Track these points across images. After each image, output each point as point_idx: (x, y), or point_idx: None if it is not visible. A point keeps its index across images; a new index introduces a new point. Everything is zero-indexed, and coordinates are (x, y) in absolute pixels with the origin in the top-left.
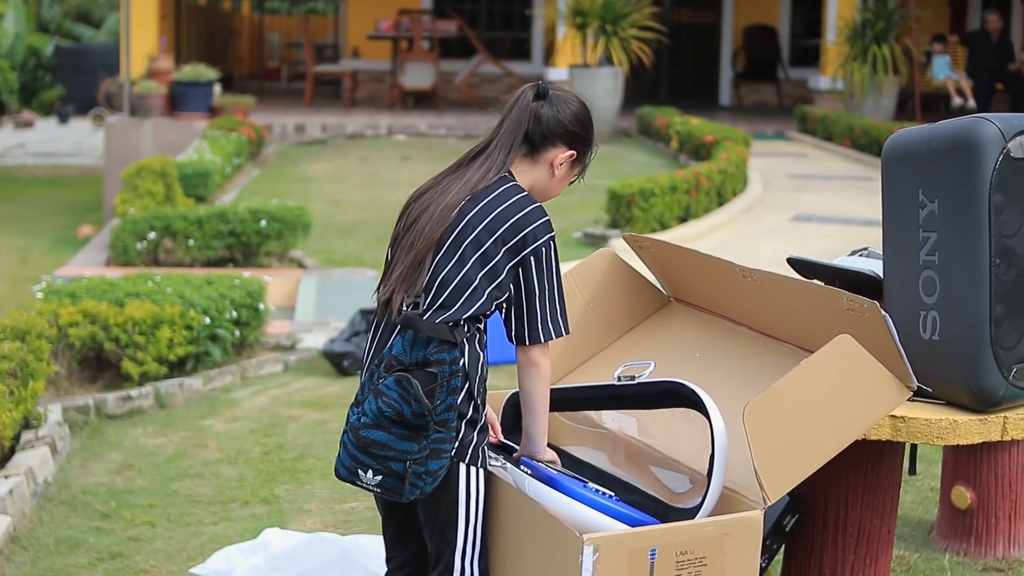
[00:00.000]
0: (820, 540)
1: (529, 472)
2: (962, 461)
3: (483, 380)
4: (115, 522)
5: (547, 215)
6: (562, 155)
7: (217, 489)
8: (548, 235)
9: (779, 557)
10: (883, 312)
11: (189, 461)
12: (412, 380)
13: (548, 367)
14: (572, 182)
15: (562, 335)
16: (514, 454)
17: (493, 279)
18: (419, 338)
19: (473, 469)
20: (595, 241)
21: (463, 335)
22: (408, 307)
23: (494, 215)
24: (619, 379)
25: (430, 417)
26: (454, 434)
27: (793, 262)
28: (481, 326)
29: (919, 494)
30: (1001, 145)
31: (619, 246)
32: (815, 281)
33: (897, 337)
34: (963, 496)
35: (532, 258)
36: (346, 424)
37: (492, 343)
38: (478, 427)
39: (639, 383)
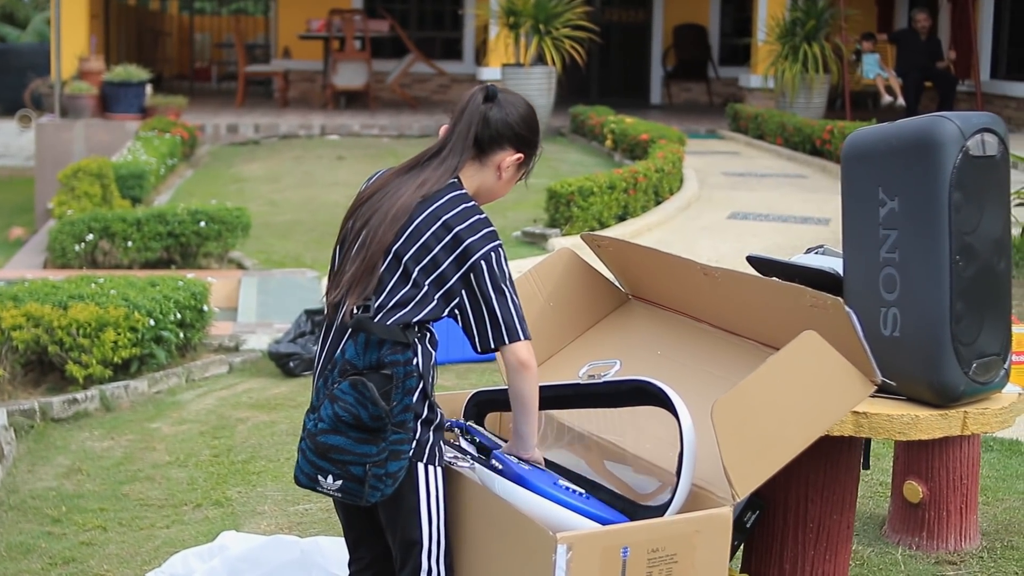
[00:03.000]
0: (780, 536)
1: (500, 468)
2: (914, 455)
3: (435, 379)
4: (66, 527)
5: (491, 225)
6: (509, 158)
7: (168, 492)
8: (492, 244)
9: (739, 553)
10: (847, 308)
11: (138, 464)
12: (367, 383)
13: (535, 364)
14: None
15: (528, 337)
16: (498, 450)
17: (441, 286)
18: (372, 341)
19: (431, 468)
20: (534, 240)
21: (415, 336)
22: (360, 310)
23: (441, 222)
24: (585, 378)
25: (387, 419)
26: (411, 435)
27: (753, 260)
28: (431, 326)
29: (870, 488)
30: (960, 143)
31: (558, 244)
32: (774, 279)
33: (861, 332)
34: (915, 490)
35: (481, 266)
36: (303, 431)
37: (454, 342)
38: (434, 425)
39: (606, 382)
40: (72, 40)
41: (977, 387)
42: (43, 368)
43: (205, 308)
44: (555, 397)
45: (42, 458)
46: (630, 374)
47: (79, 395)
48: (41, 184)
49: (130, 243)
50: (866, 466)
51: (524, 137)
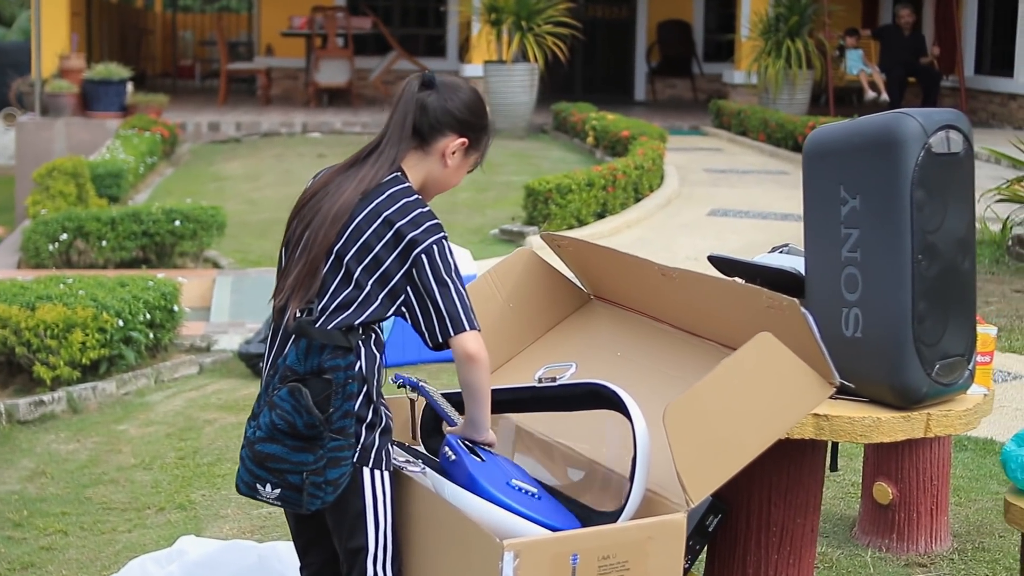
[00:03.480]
0: (743, 540)
1: (453, 459)
2: (883, 457)
3: (381, 382)
4: (27, 531)
5: (434, 218)
6: (453, 144)
7: (132, 495)
8: (435, 236)
9: (702, 557)
10: (803, 309)
11: (103, 467)
12: (303, 390)
13: (486, 354)
14: (471, 170)
15: (476, 328)
16: (451, 434)
17: (385, 284)
18: (313, 346)
19: (377, 473)
20: (512, 238)
21: (358, 339)
22: (303, 313)
23: (382, 219)
24: (540, 381)
25: (323, 427)
26: (353, 440)
27: (714, 260)
28: (378, 328)
29: (841, 489)
30: (923, 140)
31: (536, 243)
32: (736, 279)
33: (818, 334)
34: (885, 492)
35: (423, 260)
36: (244, 438)
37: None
38: (379, 430)
39: (560, 385)
40: (53, 38)
41: (940, 388)
42: (11, 369)
43: (176, 308)
44: (511, 400)
45: (6, 461)
46: (587, 376)
47: (46, 397)
48: (21, 183)
49: (104, 242)
50: (833, 468)
51: (467, 122)
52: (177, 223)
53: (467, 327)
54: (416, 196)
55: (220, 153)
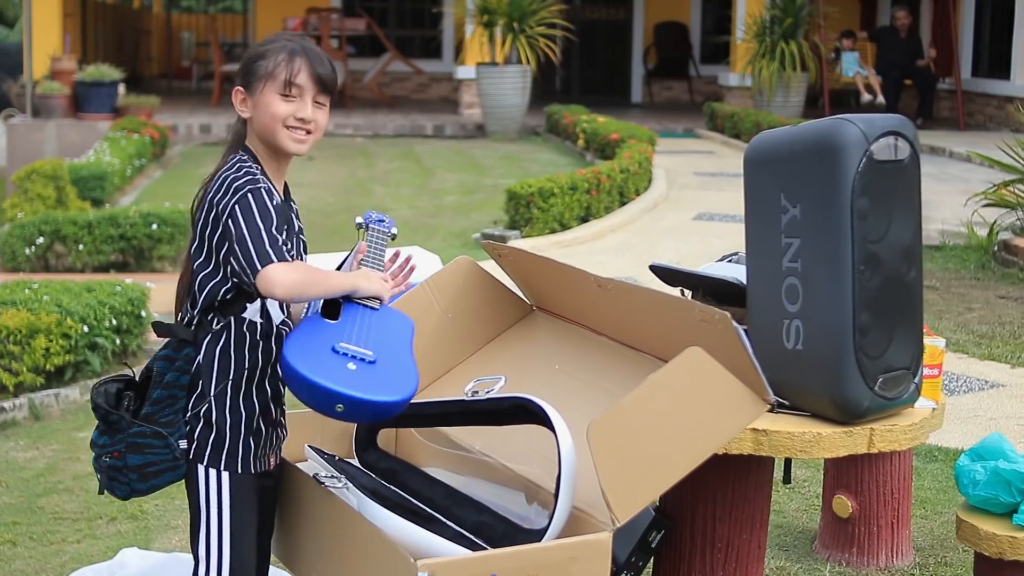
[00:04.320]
0: (688, 556)
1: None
2: (843, 469)
3: (240, 379)
4: None
5: (246, 178)
6: (234, 100)
7: (84, 505)
8: (239, 193)
9: (647, 573)
10: (735, 324)
11: (59, 475)
12: (99, 387)
13: (290, 278)
14: (286, 94)
15: (285, 259)
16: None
17: (207, 263)
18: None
19: (212, 472)
20: (494, 241)
21: (207, 332)
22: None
23: (207, 204)
24: (469, 394)
25: (114, 416)
26: (180, 431)
27: (656, 269)
28: (236, 322)
29: (804, 501)
30: (864, 147)
31: (518, 247)
32: (683, 292)
33: (750, 349)
34: (844, 505)
35: (227, 217)
36: None
37: None
38: (220, 428)
39: (488, 399)
40: (45, 39)
41: (884, 403)
42: None
43: (143, 313)
44: (440, 414)
45: None
46: (522, 389)
47: (7, 404)
48: (10, 185)
49: (82, 246)
50: (786, 481)
51: (243, 70)
52: (154, 227)
53: (273, 259)
54: (236, 164)
55: (211, 155)
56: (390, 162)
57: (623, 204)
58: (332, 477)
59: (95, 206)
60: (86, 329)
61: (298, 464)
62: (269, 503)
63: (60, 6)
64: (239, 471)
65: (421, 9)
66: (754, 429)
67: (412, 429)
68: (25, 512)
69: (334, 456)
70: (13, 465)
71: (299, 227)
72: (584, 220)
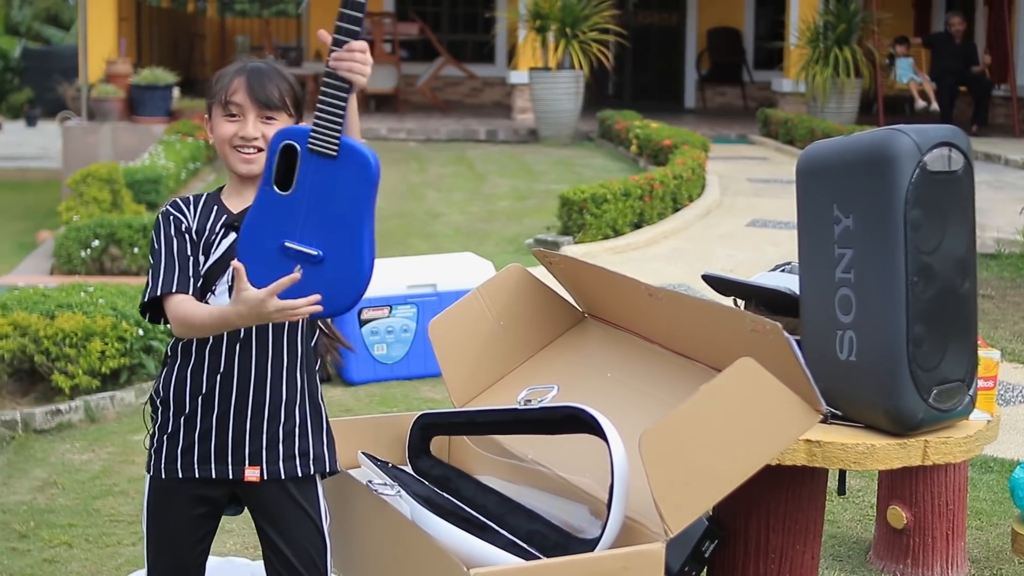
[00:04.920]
0: (741, 566)
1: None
2: (898, 480)
3: (183, 393)
4: (32, 542)
5: (163, 210)
6: (204, 123)
7: (139, 508)
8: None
9: None
10: (786, 334)
11: (114, 478)
12: None
13: (177, 317)
14: (228, 115)
15: (169, 292)
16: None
17: None
18: None
19: (148, 477)
20: (547, 247)
21: (169, 350)
22: None
23: None
24: (522, 403)
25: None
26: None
27: (709, 279)
28: (182, 339)
29: (858, 511)
30: (917, 158)
31: (570, 253)
32: (736, 302)
33: (802, 360)
34: (899, 516)
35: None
36: None
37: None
38: (159, 432)
39: (541, 408)
40: (100, 43)
41: (938, 415)
42: (31, 378)
43: None
44: (494, 422)
45: (20, 470)
46: (574, 398)
47: (63, 406)
48: (66, 188)
49: (136, 249)
50: (841, 492)
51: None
52: None
53: (158, 291)
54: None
55: None
56: (443, 167)
57: (676, 210)
58: (385, 484)
59: (150, 209)
60: (141, 332)
61: (351, 471)
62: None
63: (115, 10)
64: (152, 472)
65: (474, 14)
66: (808, 440)
67: (465, 437)
68: (81, 514)
69: (387, 463)
70: (69, 467)
71: None
72: (637, 226)
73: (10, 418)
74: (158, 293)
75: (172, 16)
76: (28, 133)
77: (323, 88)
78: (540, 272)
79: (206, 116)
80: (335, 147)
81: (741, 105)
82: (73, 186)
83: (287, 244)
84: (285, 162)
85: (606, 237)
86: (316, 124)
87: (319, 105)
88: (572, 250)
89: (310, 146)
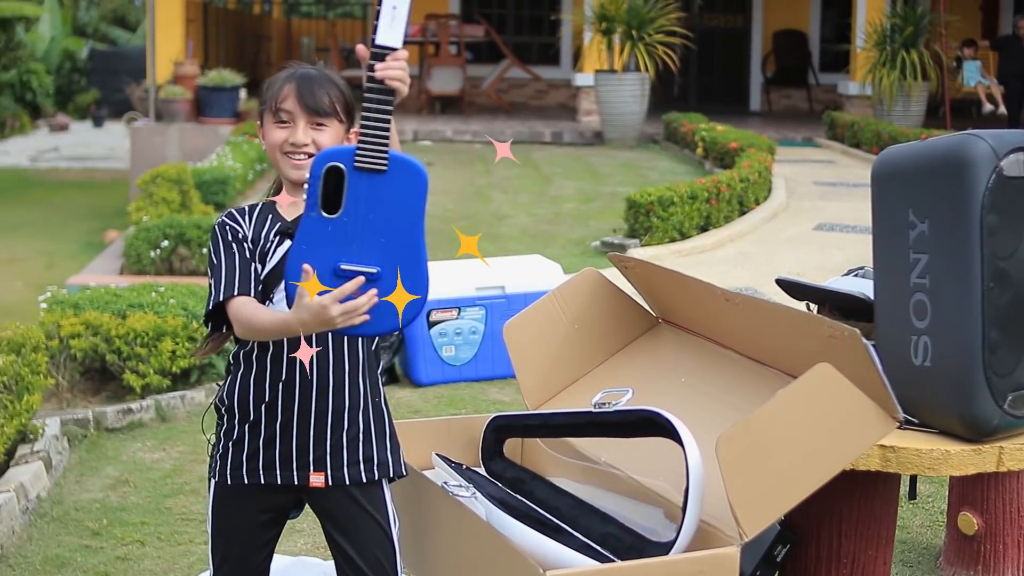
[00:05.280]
0: (813, 571)
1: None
2: (969, 486)
3: (247, 401)
4: (105, 540)
5: (219, 221)
6: (257, 129)
7: None
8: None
9: None
10: (864, 340)
11: (186, 477)
12: None
13: (240, 319)
14: (279, 122)
15: (231, 295)
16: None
17: None
18: None
19: (212, 482)
20: (613, 250)
21: (234, 354)
22: None
23: None
24: (597, 406)
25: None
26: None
27: (782, 283)
28: (245, 347)
29: (928, 517)
30: (993, 163)
31: (636, 255)
32: (799, 306)
33: (880, 366)
34: (970, 522)
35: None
36: None
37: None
38: (224, 439)
39: (616, 411)
40: (168, 44)
41: (1013, 421)
42: (102, 377)
43: None
44: (568, 425)
45: (92, 468)
46: (649, 402)
47: (134, 405)
48: (135, 188)
49: (205, 250)
50: (912, 497)
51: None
52: None
53: (220, 297)
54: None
55: None
56: (508, 169)
57: (743, 213)
58: (460, 486)
59: (217, 210)
60: (204, 324)
61: (425, 472)
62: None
63: (183, 12)
64: (218, 477)
65: (539, 16)
66: (882, 446)
67: (538, 439)
68: (153, 512)
69: (461, 465)
70: (141, 466)
71: None
72: (703, 229)
73: (82, 416)
74: (221, 298)
75: (238, 17)
76: (95, 133)
77: (367, 103)
78: (611, 274)
79: (258, 122)
80: (384, 162)
81: (806, 108)
82: (143, 187)
83: (342, 266)
84: (330, 184)
85: (672, 240)
86: (363, 140)
87: (364, 121)
88: (638, 253)
89: (358, 164)
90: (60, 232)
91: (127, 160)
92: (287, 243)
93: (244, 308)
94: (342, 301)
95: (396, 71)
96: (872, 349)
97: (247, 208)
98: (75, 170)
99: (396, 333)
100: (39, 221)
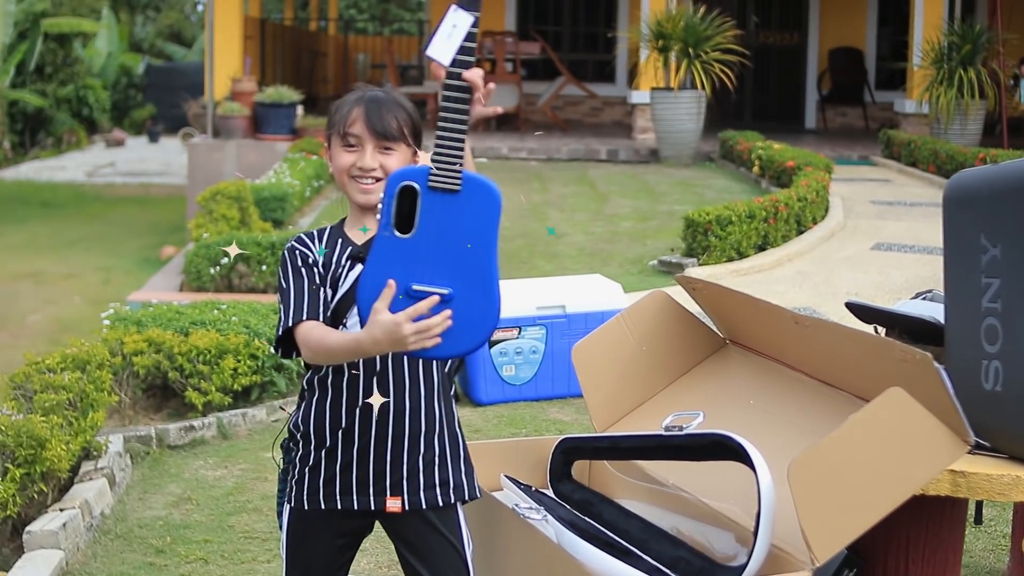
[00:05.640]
0: None
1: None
2: None
3: (323, 427)
4: (169, 558)
5: (288, 246)
6: (323, 151)
7: (273, 524)
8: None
9: None
10: (937, 364)
11: (248, 495)
12: None
13: (310, 343)
14: (347, 146)
15: (300, 320)
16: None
17: None
18: None
19: (288, 507)
20: (671, 269)
21: (306, 384)
22: None
23: None
24: (667, 429)
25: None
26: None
27: (852, 307)
28: (319, 372)
29: (991, 540)
30: None
31: (694, 274)
32: (869, 330)
33: (952, 390)
34: None
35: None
36: None
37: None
38: (299, 464)
39: (687, 434)
40: (226, 61)
41: None
42: (164, 394)
43: None
44: (638, 447)
45: (155, 486)
46: (717, 425)
47: (196, 422)
48: (192, 204)
49: (264, 267)
50: (978, 522)
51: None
52: None
53: (289, 322)
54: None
55: None
56: (564, 186)
57: (800, 232)
58: (532, 508)
59: (275, 227)
60: (273, 350)
61: (495, 493)
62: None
63: (241, 28)
64: (293, 502)
65: (595, 33)
66: (952, 470)
67: (606, 461)
68: (216, 530)
69: (530, 487)
70: (203, 483)
71: None
72: (761, 248)
73: (145, 434)
74: (290, 324)
75: (295, 34)
76: (150, 149)
77: (441, 123)
78: (674, 291)
79: (325, 144)
80: (458, 181)
81: (862, 126)
82: (203, 203)
83: (414, 287)
84: (403, 204)
85: (730, 259)
86: (437, 160)
87: (438, 141)
88: (696, 272)
89: (432, 183)
90: (117, 247)
91: (182, 175)
92: (359, 267)
93: (313, 332)
94: (415, 320)
95: (475, 79)
96: (944, 373)
97: (316, 232)
98: (131, 185)
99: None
100: (96, 236)
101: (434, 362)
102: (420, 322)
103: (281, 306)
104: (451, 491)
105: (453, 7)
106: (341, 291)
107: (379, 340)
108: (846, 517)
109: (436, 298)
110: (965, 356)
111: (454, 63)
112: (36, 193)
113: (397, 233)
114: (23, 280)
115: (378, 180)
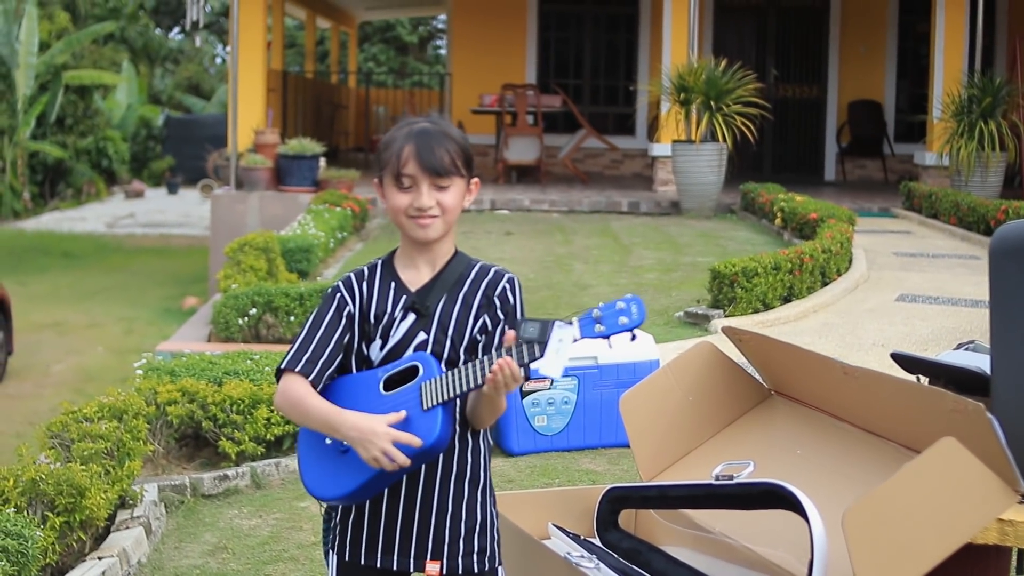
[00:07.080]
0: None
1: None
2: None
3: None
4: None
5: (335, 285)
6: (375, 186)
7: (310, 573)
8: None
9: None
10: (989, 414)
11: (283, 544)
12: None
13: (282, 391)
14: (401, 187)
15: (291, 368)
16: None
17: None
18: None
19: (333, 555)
20: (697, 320)
21: None
22: None
23: None
24: (717, 478)
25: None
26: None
27: (897, 357)
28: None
29: None
30: None
31: (720, 325)
32: (919, 379)
33: (1004, 440)
34: None
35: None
36: None
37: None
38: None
39: (738, 483)
40: (249, 113)
41: None
42: (197, 443)
43: None
44: (687, 496)
45: (190, 535)
46: (765, 474)
47: (230, 472)
48: (215, 255)
49: (292, 318)
50: (1022, 571)
51: (376, 160)
52: None
53: (282, 365)
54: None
55: None
56: (587, 238)
57: (824, 284)
58: (583, 556)
59: (301, 278)
60: (275, 378)
61: (543, 542)
62: None
63: (264, 81)
64: (335, 551)
65: (615, 86)
66: (999, 520)
67: (653, 511)
68: None
69: (579, 535)
70: (238, 532)
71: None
72: (786, 300)
73: (179, 483)
74: (282, 366)
75: (316, 86)
76: (169, 200)
77: (464, 374)
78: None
79: (376, 181)
80: (430, 405)
81: (881, 177)
82: (230, 255)
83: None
84: (406, 372)
85: (756, 311)
86: (438, 382)
87: (456, 373)
88: (723, 324)
89: (422, 384)
90: (138, 298)
91: (202, 227)
92: (411, 318)
93: (293, 386)
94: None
95: (500, 379)
96: (996, 423)
97: (366, 272)
98: (151, 236)
99: None
100: (117, 287)
101: (483, 431)
102: (392, 447)
103: (295, 339)
104: (486, 559)
105: (557, 324)
106: (392, 341)
107: (355, 436)
108: (899, 565)
109: (419, 441)
110: (1013, 407)
111: (521, 353)
112: (57, 244)
113: (381, 388)
114: (46, 330)
115: (435, 217)
